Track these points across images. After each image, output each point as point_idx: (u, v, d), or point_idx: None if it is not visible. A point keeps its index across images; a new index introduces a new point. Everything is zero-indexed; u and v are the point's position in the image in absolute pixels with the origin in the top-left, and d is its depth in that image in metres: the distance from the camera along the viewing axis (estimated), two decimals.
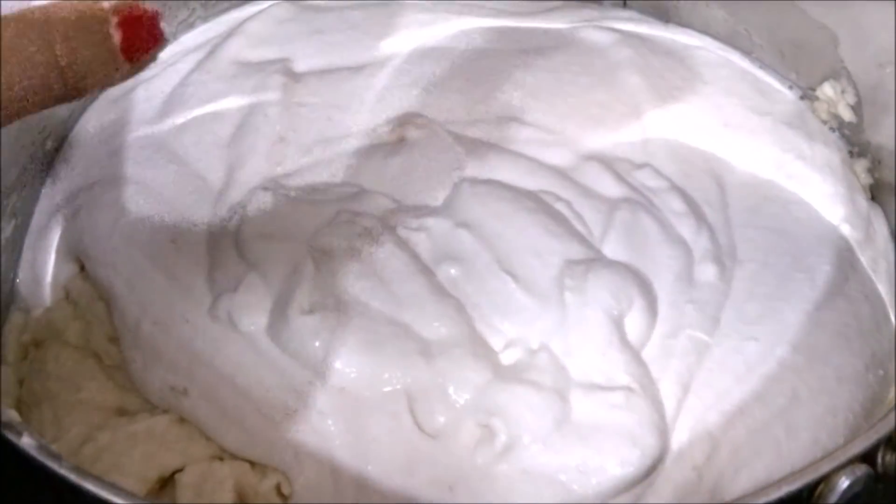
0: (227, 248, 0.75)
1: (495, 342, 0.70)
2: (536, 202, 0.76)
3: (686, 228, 0.77)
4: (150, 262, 0.74)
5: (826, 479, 0.53)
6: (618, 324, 0.70)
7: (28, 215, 0.81)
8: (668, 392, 0.69)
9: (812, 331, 0.73)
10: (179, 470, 0.65)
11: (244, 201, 0.77)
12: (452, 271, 0.72)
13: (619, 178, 0.80)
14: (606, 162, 0.82)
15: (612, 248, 0.75)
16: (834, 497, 0.53)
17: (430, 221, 0.75)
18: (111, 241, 0.76)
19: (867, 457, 0.53)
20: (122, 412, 0.69)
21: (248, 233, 0.75)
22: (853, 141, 0.85)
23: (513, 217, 0.75)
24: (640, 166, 0.82)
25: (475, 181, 0.78)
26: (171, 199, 0.79)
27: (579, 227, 0.76)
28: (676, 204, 0.79)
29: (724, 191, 0.82)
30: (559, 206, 0.77)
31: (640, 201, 0.78)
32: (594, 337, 0.69)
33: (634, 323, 0.71)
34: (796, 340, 0.72)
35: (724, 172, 0.83)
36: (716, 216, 0.79)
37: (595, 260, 0.73)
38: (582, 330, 0.69)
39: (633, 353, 0.69)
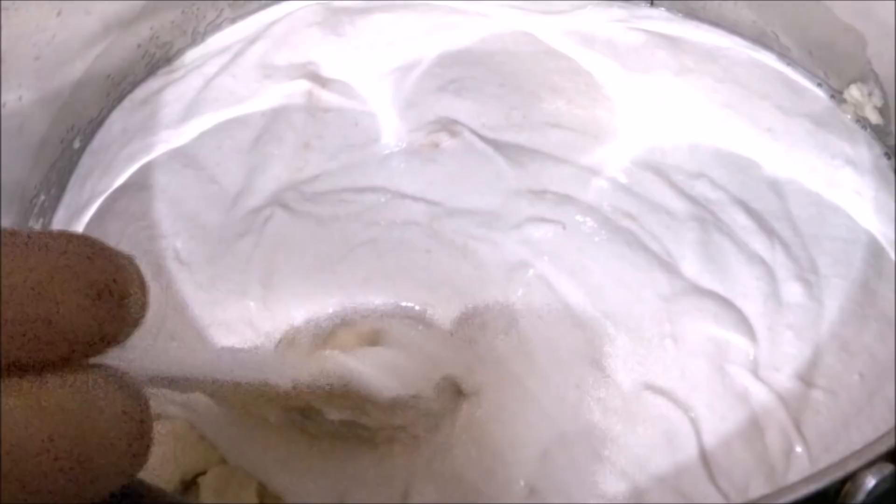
0: (237, 262, 0.74)
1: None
2: (603, 219, 0.75)
3: (759, 245, 0.74)
4: (152, 273, 0.72)
5: (852, 478, 0.52)
6: (720, 367, 0.68)
7: (54, 216, 0.81)
8: (773, 441, 0.65)
9: None
10: (202, 473, 0.65)
11: (263, 217, 0.76)
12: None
13: (679, 190, 0.78)
14: (661, 172, 0.79)
15: (692, 272, 0.72)
16: (861, 496, 0.52)
17: (497, 236, 0.74)
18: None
19: (893, 455, 0.52)
20: None
21: (264, 255, 0.74)
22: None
23: (591, 243, 0.74)
24: (695, 176, 0.79)
25: (530, 193, 0.77)
26: (182, 205, 0.78)
27: (656, 248, 0.74)
28: (742, 218, 0.76)
29: (784, 200, 0.78)
30: (627, 223, 0.75)
31: (707, 217, 0.76)
32: (700, 385, 0.67)
33: (737, 361, 0.68)
34: None
35: (777, 180, 0.79)
36: (784, 229, 0.76)
37: (683, 294, 0.71)
38: (690, 381, 0.68)
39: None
